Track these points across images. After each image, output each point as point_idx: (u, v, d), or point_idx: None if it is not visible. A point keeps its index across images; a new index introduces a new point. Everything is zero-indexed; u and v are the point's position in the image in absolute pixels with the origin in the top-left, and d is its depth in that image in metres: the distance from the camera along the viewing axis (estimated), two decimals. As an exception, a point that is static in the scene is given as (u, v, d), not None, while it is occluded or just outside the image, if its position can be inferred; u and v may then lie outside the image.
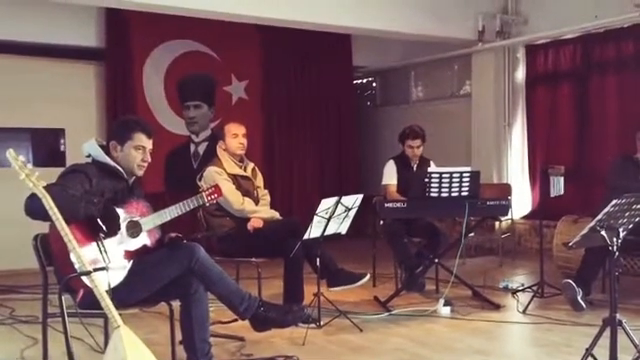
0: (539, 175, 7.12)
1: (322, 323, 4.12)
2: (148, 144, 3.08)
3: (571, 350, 3.58)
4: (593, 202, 6.21)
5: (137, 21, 7.00)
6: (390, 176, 5.29)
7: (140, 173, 3.08)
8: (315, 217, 4.01)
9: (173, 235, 3.10)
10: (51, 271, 2.88)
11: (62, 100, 6.82)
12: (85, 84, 7.13)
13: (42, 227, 2.80)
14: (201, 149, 7.73)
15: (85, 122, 6.91)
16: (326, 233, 4.12)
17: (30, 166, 2.61)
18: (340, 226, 4.25)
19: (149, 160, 3.09)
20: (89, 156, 3.05)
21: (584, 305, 4.45)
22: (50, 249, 2.80)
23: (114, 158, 3.02)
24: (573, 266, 4.98)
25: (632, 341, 2.99)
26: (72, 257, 2.57)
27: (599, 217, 2.95)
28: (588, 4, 6.37)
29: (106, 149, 3.05)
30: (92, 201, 2.73)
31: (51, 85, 6.78)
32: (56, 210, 2.53)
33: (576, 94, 7.01)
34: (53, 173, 2.92)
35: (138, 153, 3.04)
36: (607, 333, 2.95)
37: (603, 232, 2.95)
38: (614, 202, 2.92)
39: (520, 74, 7.55)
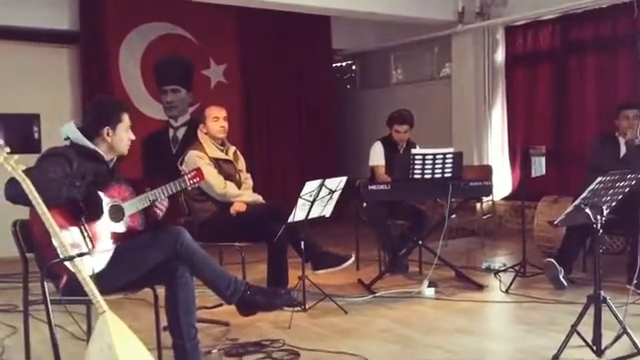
0: (519, 156, 7.18)
1: (307, 306, 4.11)
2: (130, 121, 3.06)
3: (555, 328, 3.61)
4: (571, 182, 6.29)
5: (112, 3, 6.85)
6: (379, 157, 5.25)
7: (126, 151, 3.05)
8: (299, 200, 3.98)
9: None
10: (31, 258, 2.82)
11: (36, 85, 6.66)
12: (59, 68, 6.97)
13: (22, 212, 2.73)
14: (180, 134, 7.63)
15: (60, 107, 6.77)
16: (310, 216, 4.09)
17: (8, 150, 2.52)
18: (324, 209, 4.23)
19: (134, 137, 3.07)
20: (67, 139, 2.96)
21: (565, 283, 4.51)
22: (31, 235, 2.72)
23: (98, 143, 2.93)
24: (554, 246, 5.03)
25: (616, 317, 3.02)
26: (54, 242, 2.50)
27: (584, 195, 2.97)
28: (567, -15, 6.39)
29: (84, 132, 2.96)
30: (74, 184, 2.66)
31: (24, 70, 6.61)
32: (36, 194, 2.46)
33: (555, 75, 7.05)
34: (28, 160, 2.78)
35: (128, 133, 3.02)
36: (590, 310, 2.99)
37: (587, 210, 2.98)
38: (599, 179, 2.95)
39: (500, 55, 7.56)
